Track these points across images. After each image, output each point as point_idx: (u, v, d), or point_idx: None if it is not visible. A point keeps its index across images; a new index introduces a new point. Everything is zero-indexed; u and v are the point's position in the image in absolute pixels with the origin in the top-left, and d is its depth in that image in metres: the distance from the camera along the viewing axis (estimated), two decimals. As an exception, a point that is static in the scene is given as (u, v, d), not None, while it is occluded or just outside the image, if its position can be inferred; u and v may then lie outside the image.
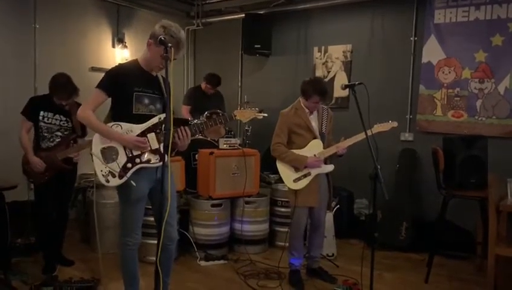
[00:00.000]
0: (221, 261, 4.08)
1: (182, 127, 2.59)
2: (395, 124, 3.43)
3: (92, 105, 2.60)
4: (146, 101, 2.62)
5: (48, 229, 3.66)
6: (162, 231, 2.30)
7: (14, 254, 3.82)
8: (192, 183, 4.52)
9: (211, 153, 4.24)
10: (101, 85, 2.60)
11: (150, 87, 2.65)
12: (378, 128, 3.38)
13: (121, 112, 2.62)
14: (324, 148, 3.51)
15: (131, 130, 2.59)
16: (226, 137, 4.85)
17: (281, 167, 3.55)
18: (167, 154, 2.31)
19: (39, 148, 3.56)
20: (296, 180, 3.49)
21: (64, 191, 3.74)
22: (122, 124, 2.59)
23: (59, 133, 3.62)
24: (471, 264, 4.12)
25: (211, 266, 4.01)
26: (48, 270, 3.62)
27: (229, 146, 4.43)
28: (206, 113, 4.89)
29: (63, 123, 3.62)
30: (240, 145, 4.57)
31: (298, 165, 3.47)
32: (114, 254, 4.11)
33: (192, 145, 4.59)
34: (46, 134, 3.58)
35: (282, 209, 4.53)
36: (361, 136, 3.34)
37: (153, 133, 2.60)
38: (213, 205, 4.20)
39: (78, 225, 4.64)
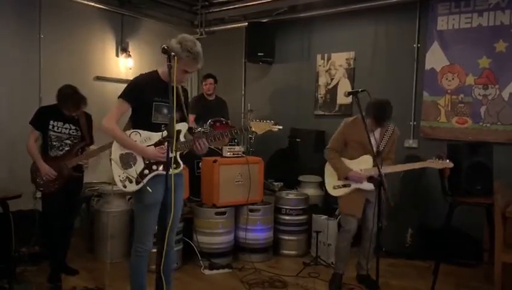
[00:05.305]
0: (226, 270, 4.06)
1: (200, 140, 2.69)
2: (451, 164, 3.38)
3: (116, 115, 2.67)
4: (165, 110, 2.69)
5: (55, 238, 3.67)
6: (166, 238, 2.34)
7: (18, 263, 3.81)
8: (196, 191, 4.52)
9: (215, 161, 4.24)
10: (123, 95, 2.68)
11: (168, 97, 2.68)
12: (431, 163, 3.39)
13: (141, 120, 2.69)
14: (375, 165, 3.45)
15: (150, 138, 2.68)
16: (230, 145, 4.85)
17: (328, 170, 3.65)
18: (176, 163, 2.47)
19: (47, 157, 3.58)
20: (335, 187, 3.59)
21: (71, 201, 3.75)
22: (141, 131, 2.67)
23: (68, 142, 3.64)
24: (478, 271, 4.07)
25: (215, 275, 3.99)
26: (53, 280, 3.62)
27: (233, 154, 4.43)
28: (209, 121, 4.90)
29: (73, 132, 3.65)
30: (243, 153, 4.57)
31: (338, 174, 3.55)
32: (118, 263, 4.12)
33: (196, 153, 4.62)
34: (55, 143, 3.60)
35: (287, 217, 4.52)
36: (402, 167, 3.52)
37: None
38: (217, 213, 4.19)
39: (82, 234, 4.64)
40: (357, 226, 3.60)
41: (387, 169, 3.36)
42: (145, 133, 2.67)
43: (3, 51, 4.64)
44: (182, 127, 2.75)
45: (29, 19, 4.84)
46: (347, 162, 3.55)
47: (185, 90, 2.87)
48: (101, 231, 4.25)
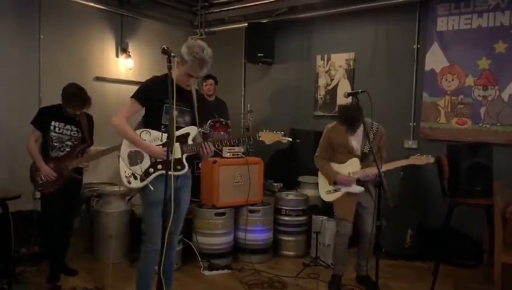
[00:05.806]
0: (225, 271, 4.06)
1: (205, 143, 2.74)
2: (432, 160, 3.43)
3: (126, 114, 2.75)
4: (175, 113, 2.69)
5: (55, 239, 3.66)
6: (166, 237, 2.36)
7: (18, 264, 3.80)
8: (196, 192, 4.50)
9: (215, 162, 4.24)
10: (135, 95, 2.75)
11: (180, 100, 2.73)
12: (414, 160, 3.44)
13: (151, 121, 2.76)
14: (363, 167, 3.50)
15: (159, 137, 2.74)
16: (230, 145, 4.85)
17: (320, 176, 3.72)
18: (181, 165, 2.59)
19: (48, 158, 3.58)
20: (328, 192, 3.65)
21: (71, 201, 3.74)
22: (152, 131, 2.74)
23: (69, 143, 3.64)
24: (478, 272, 4.07)
25: (214, 276, 3.99)
26: (52, 280, 3.61)
27: (233, 154, 4.43)
28: (209, 121, 4.89)
29: (74, 133, 3.65)
30: (243, 153, 4.57)
31: (328, 180, 3.60)
32: (118, 263, 4.12)
33: (196, 154, 4.62)
34: (56, 144, 3.60)
35: (286, 218, 4.52)
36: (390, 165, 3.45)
37: (178, 143, 2.73)
38: (217, 214, 4.18)
39: (82, 235, 4.64)
40: (353, 228, 3.61)
41: (375, 169, 3.31)
42: (154, 133, 2.74)
43: (3, 51, 4.63)
44: (191, 130, 2.79)
45: (29, 19, 4.83)
46: (336, 166, 3.59)
47: (198, 94, 2.92)
48: (100, 232, 4.24)
